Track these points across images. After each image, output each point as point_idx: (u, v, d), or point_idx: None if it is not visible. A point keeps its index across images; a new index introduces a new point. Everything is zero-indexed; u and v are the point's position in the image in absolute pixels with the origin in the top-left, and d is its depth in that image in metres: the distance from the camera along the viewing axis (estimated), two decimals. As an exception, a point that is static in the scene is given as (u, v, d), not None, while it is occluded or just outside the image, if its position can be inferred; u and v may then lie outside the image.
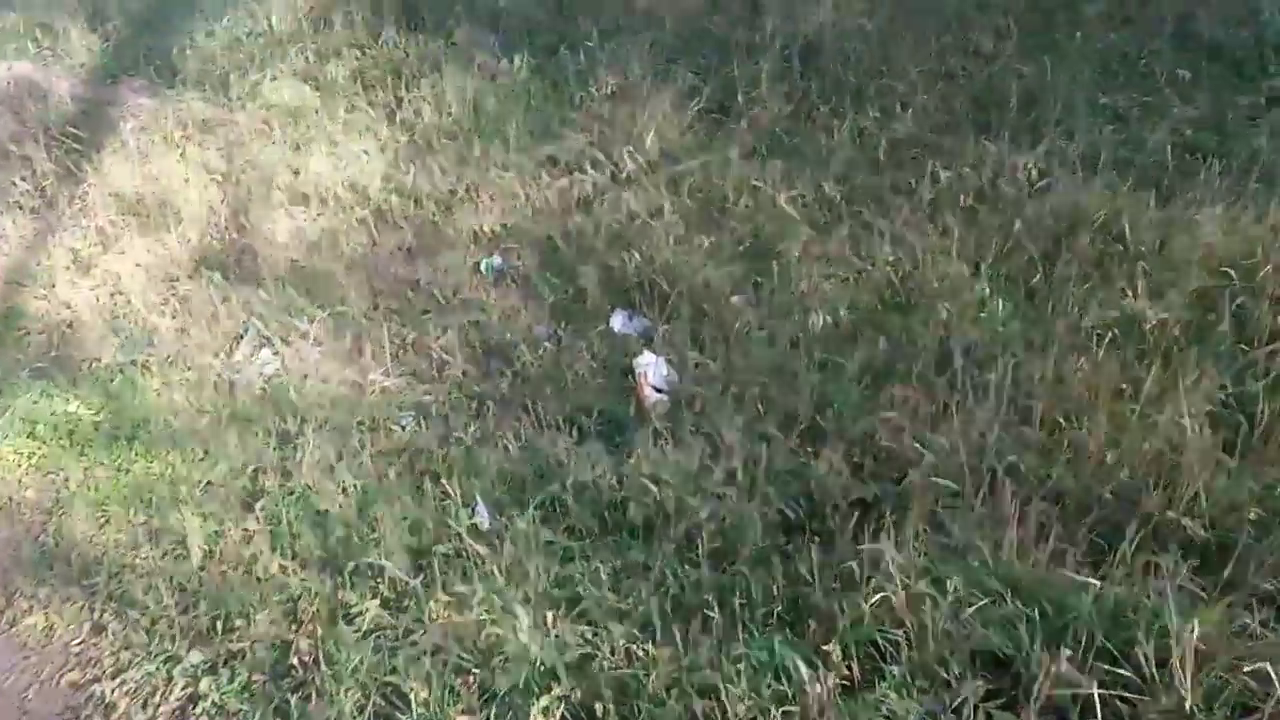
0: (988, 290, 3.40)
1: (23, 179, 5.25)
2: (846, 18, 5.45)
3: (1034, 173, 4.27)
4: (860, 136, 4.68)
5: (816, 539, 2.52)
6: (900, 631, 2.18)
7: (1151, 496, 2.37)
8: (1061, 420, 2.68)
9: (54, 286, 4.75)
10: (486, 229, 4.74)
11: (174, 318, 4.45)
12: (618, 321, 4.13)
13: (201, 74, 5.73)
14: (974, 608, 2.06)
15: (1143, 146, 4.50)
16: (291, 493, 3.42)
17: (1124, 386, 2.73)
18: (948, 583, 2.09)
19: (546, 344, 4.03)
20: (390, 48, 5.62)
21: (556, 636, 2.45)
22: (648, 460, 2.98)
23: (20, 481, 3.88)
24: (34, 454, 3.98)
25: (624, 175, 4.68)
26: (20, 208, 5.22)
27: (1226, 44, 4.99)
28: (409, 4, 5.95)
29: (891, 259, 3.92)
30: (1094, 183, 4.14)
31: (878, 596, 2.13)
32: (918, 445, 2.66)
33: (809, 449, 2.89)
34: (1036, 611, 2.05)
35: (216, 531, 3.29)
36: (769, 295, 3.83)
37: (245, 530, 3.22)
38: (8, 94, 5.64)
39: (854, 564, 2.27)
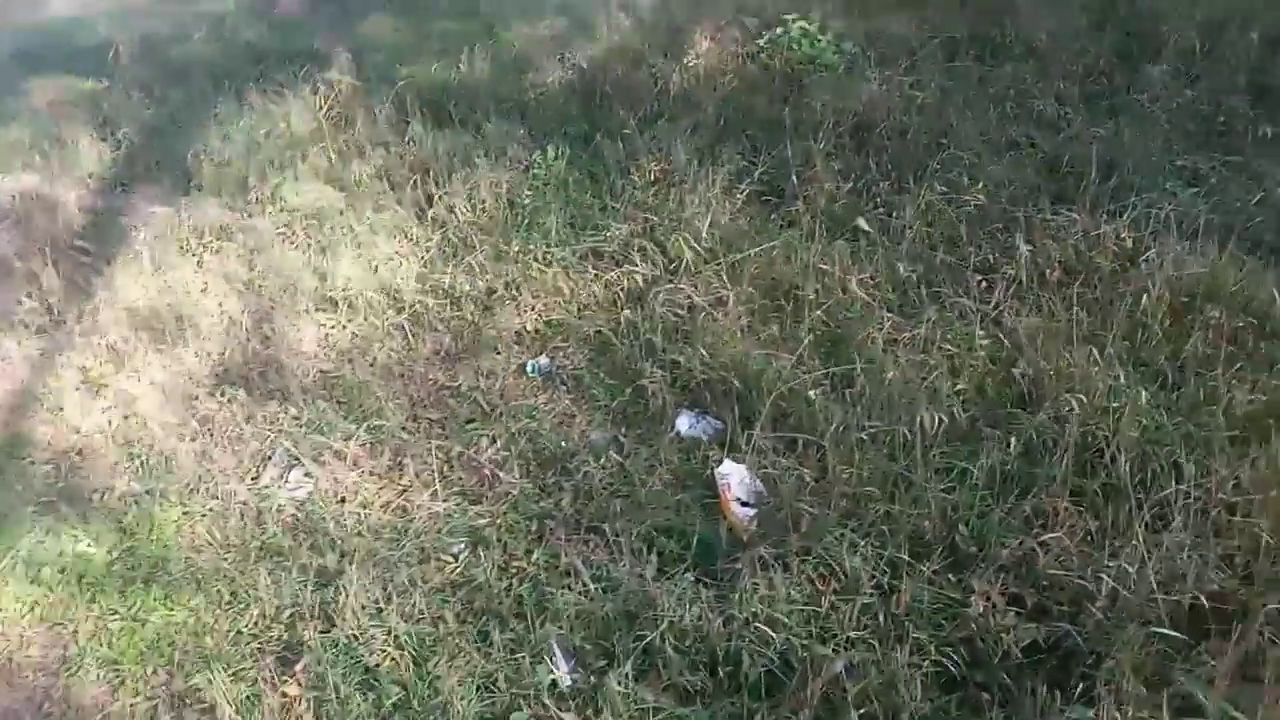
0: (1120, 377, 3.00)
1: (29, 296, 4.91)
2: (895, 91, 5.19)
3: (1128, 242, 3.94)
4: (928, 212, 4.36)
5: (987, 697, 2.06)
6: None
7: None
8: (1268, 537, 2.25)
9: (62, 410, 4.35)
10: (530, 328, 4.39)
11: (194, 440, 4.04)
12: (684, 424, 3.73)
13: (218, 179, 5.44)
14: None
15: (1236, 211, 4.19)
16: (335, 644, 2.96)
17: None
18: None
19: (609, 452, 3.63)
20: (417, 144, 5.35)
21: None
22: (755, 597, 2.54)
23: (22, 637, 3.40)
24: (38, 603, 3.51)
25: (677, 265, 4.34)
26: (26, 326, 4.86)
27: (1306, 96, 4.73)
28: (433, 99, 5.71)
29: (986, 341, 3.56)
30: (1196, 251, 3.80)
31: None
32: (1091, 573, 2.22)
33: (951, 578, 2.44)
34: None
35: (250, 696, 2.83)
36: (859, 392, 3.43)
37: (284, 695, 2.76)
38: (14, 208, 5.35)
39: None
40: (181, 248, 5.05)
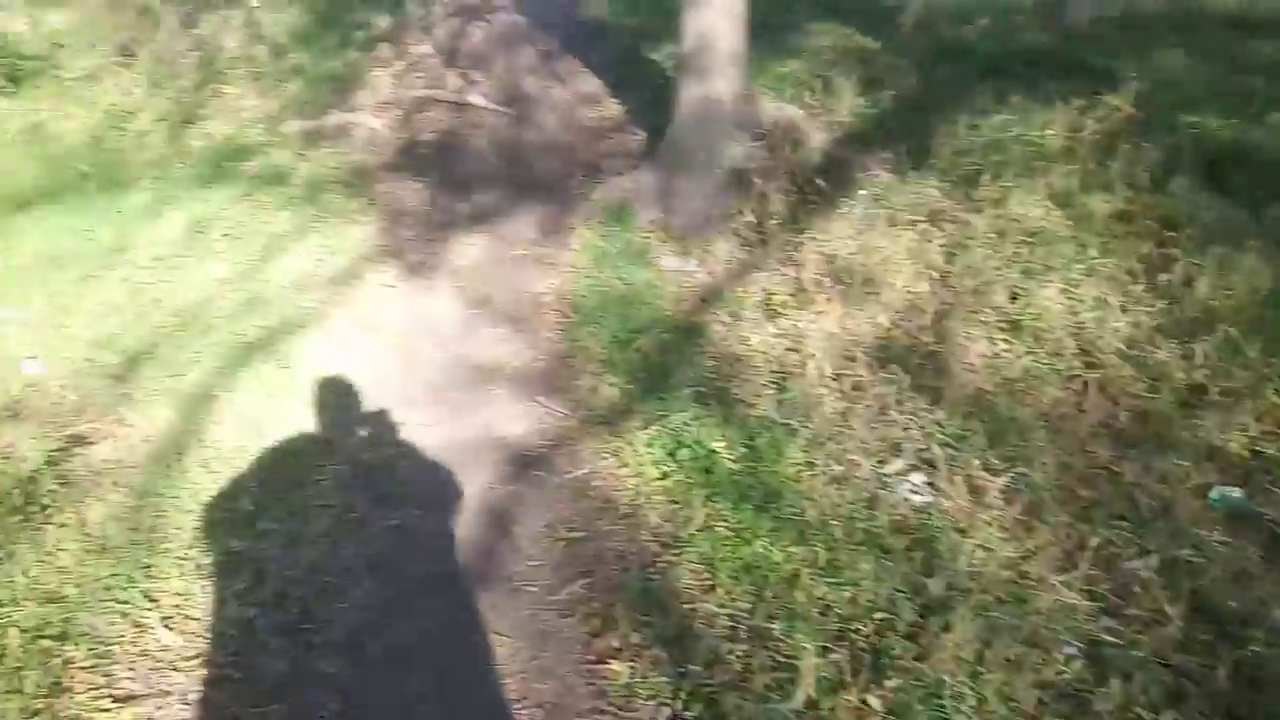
0: None
1: (752, 210, 5.40)
2: None
3: None
4: None
5: None
6: None
7: None
8: None
9: (738, 319, 4.73)
10: (1233, 450, 3.67)
11: (841, 399, 4.10)
12: None
13: (952, 165, 5.41)
14: None
15: None
16: (920, 680, 2.77)
17: None
18: None
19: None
20: (1176, 200, 4.74)
21: None
22: None
23: (648, 500, 3.77)
24: (669, 475, 3.88)
25: None
26: (738, 235, 5.38)
27: None
28: (1213, 158, 5.00)
29: None
30: None
31: None
32: None
33: None
34: None
35: (830, 679, 2.77)
36: None
37: (863, 703, 2.65)
38: (772, 130, 5.90)
39: None
40: (892, 219, 5.13)
